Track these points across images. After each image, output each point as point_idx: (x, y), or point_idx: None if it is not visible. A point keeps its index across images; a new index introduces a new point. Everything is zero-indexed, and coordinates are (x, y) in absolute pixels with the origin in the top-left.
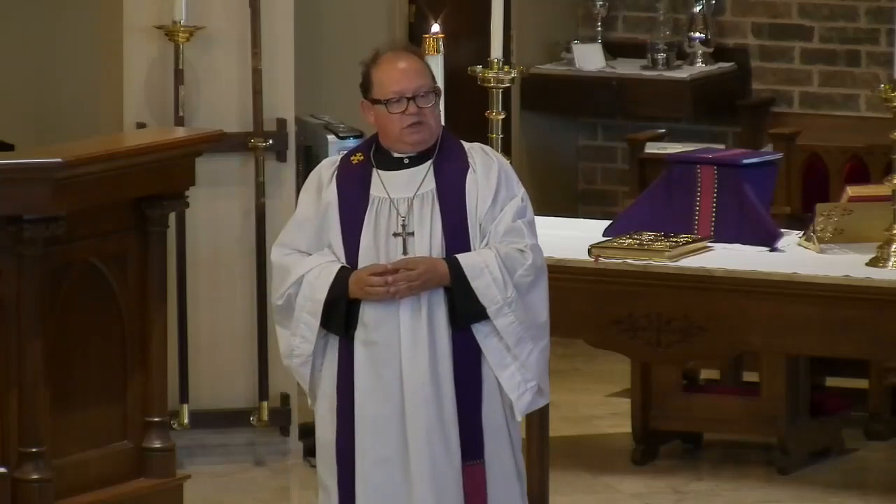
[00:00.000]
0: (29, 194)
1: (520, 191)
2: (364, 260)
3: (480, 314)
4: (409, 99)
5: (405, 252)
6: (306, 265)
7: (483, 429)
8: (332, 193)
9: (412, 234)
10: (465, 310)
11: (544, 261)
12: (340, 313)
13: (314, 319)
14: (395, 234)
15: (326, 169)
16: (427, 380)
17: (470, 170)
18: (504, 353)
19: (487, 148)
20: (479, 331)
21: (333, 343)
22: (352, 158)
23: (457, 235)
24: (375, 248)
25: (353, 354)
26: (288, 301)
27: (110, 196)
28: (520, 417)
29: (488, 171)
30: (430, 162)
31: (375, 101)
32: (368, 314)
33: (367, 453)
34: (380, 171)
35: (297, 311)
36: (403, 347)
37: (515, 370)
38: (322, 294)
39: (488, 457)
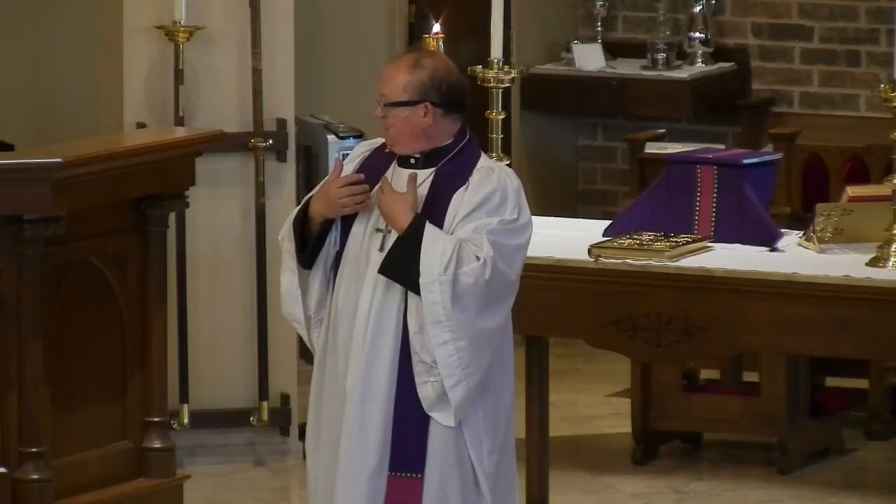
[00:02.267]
0: (29, 194)
1: (513, 215)
2: (350, 245)
3: (408, 275)
4: (379, 102)
5: (381, 248)
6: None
7: (427, 443)
8: (355, 169)
9: (391, 232)
10: (397, 262)
11: (493, 279)
12: (297, 223)
13: (290, 243)
14: (378, 230)
15: (363, 147)
16: (358, 382)
17: (464, 186)
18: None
19: (501, 170)
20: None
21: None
22: (387, 148)
23: None
24: (361, 237)
25: (327, 340)
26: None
27: (110, 196)
28: (428, 410)
29: (477, 190)
30: (433, 169)
31: None
32: (340, 300)
33: (320, 435)
34: (396, 167)
35: (282, 247)
36: (352, 345)
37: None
38: (292, 216)
39: (429, 472)
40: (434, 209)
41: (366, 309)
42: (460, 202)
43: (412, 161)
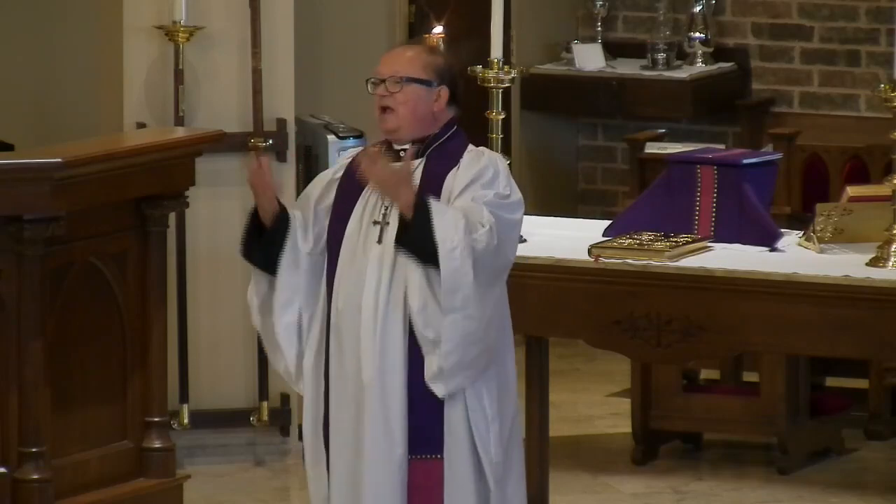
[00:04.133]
0: (29, 194)
1: (506, 191)
2: (346, 246)
3: (427, 253)
4: (381, 81)
5: (379, 241)
6: None
7: (444, 424)
8: (339, 174)
9: (389, 223)
10: (413, 235)
11: (497, 248)
12: (253, 228)
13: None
14: (375, 223)
15: (351, 154)
16: (376, 375)
17: (455, 168)
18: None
19: (490, 152)
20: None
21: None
22: (380, 143)
23: None
24: (356, 236)
25: (329, 340)
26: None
27: (110, 196)
28: (427, 380)
29: (470, 167)
30: (424, 157)
31: None
32: (340, 302)
33: (335, 436)
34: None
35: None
36: (361, 336)
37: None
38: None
39: (448, 453)
40: (427, 193)
41: (371, 302)
42: (453, 181)
43: (402, 153)
